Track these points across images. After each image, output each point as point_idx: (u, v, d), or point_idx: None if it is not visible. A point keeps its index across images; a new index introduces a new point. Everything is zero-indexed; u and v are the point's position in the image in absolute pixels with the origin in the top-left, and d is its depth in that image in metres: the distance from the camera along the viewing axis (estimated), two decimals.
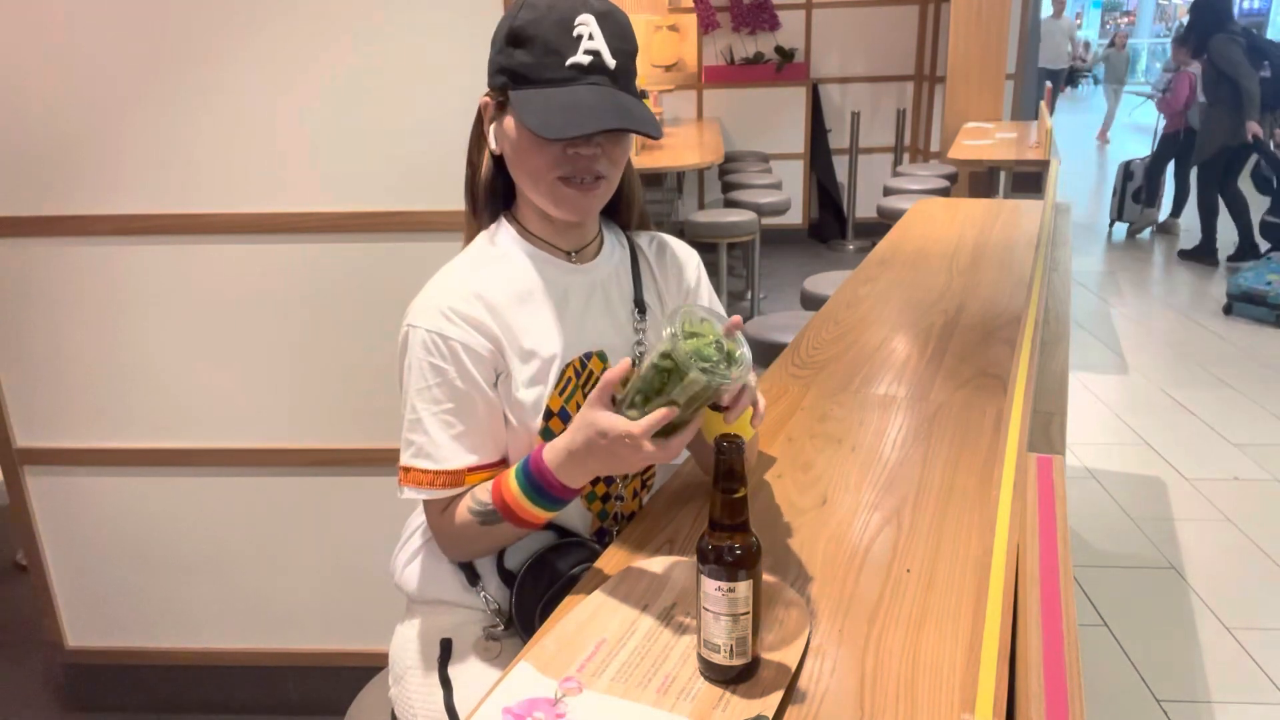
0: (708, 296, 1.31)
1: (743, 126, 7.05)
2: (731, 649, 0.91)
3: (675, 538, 1.21)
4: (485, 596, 1.19)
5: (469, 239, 1.20)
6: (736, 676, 0.92)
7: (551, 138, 1.02)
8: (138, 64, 1.87)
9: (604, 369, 1.17)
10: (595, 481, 1.20)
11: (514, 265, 1.16)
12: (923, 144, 7.11)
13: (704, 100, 7.07)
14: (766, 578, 1.08)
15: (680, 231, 5.36)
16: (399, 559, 1.29)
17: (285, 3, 1.83)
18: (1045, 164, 4.01)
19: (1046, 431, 1.32)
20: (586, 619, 1.03)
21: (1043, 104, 5.59)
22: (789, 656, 0.96)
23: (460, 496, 1.13)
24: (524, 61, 1.05)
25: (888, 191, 5.29)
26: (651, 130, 1.05)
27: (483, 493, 1.10)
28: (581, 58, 1.03)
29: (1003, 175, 5.03)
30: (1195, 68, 6.27)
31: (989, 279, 2.42)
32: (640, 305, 1.22)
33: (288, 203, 1.94)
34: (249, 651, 2.29)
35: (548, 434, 1.13)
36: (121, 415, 2.10)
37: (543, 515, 1.09)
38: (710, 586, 0.90)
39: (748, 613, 0.90)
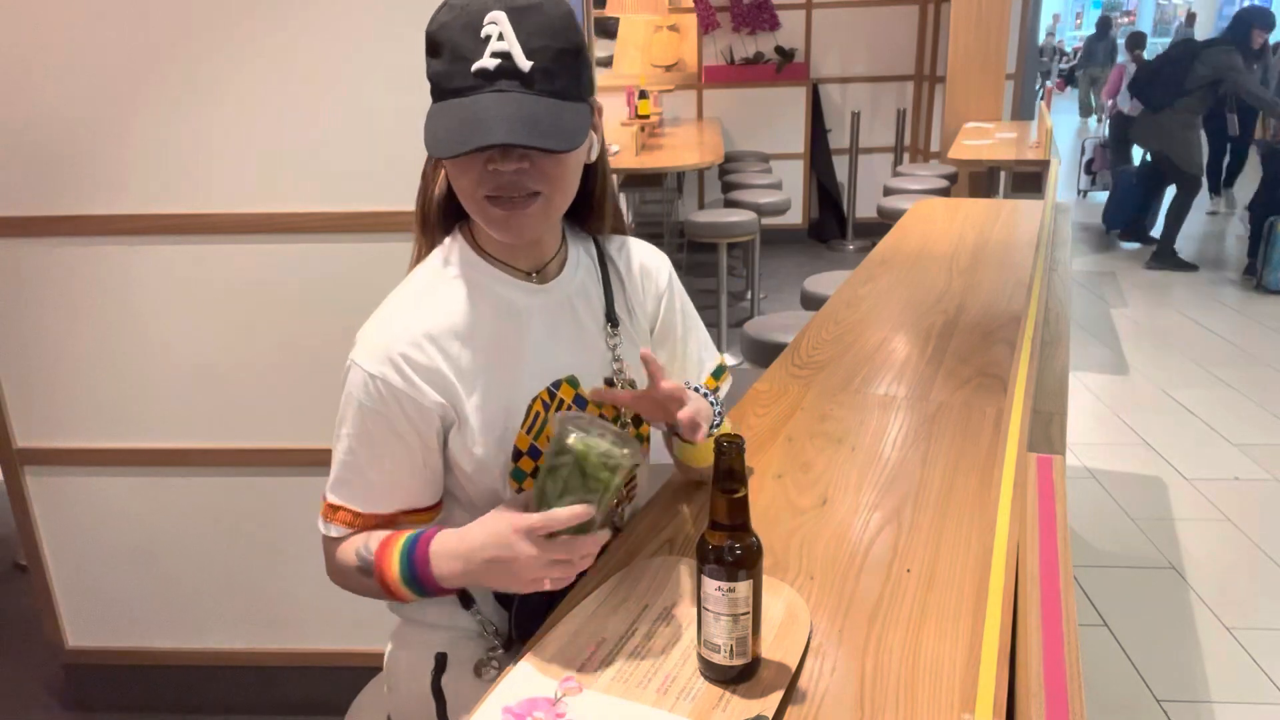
0: (680, 303, 1.24)
1: (743, 126, 7.05)
2: (731, 649, 0.91)
3: (675, 538, 1.21)
4: (481, 619, 1.13)
5: (418, 257, 1.11)
6: (736, 676, 0.92)
7: (437, 156, 0.94)
8: (138, 64, 1.87)
9: (575, 395, 1.10)
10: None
11: (470, 292, 1.05)
12: (923, 144, 7.11)
13: (704, 100, 7.07)
14: (766, 578, 1.08)
15: (680, 232, 5.36)
16: None
17: (286, 3, 1.83)
18: (1045, 164, 4.01)
19: (1046, 431, 1.32)
20: (586, 619, 1.03)
21: (1043, 104, 5.59)
22: (789, 656, 0.96)
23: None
24: (436, 70, 0.95)
25: (888, 191, 5.28)
26: (553, 143, 0.91)
27: (374, 542, 1.03)
28: (487, 61, 0.91)
29: (1003, 175, 5.03)
30: (1130, 62, 8.02)
31: (989, 279, 2.42)
32: (612, 318, 1.14)
33: (288, 203, 1.94)
34: (249, 651, 2.28)
35: (518, 474, 1.07)
36: (121, 415, 2.10)
37: (413, 598, 1.04)
38: (710, 586, 0.90)
39: (748, 613, 0.90)
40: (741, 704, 0.90)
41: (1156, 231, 6.61)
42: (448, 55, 0.93)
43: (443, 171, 1.06)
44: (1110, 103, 8.32)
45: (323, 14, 1.84)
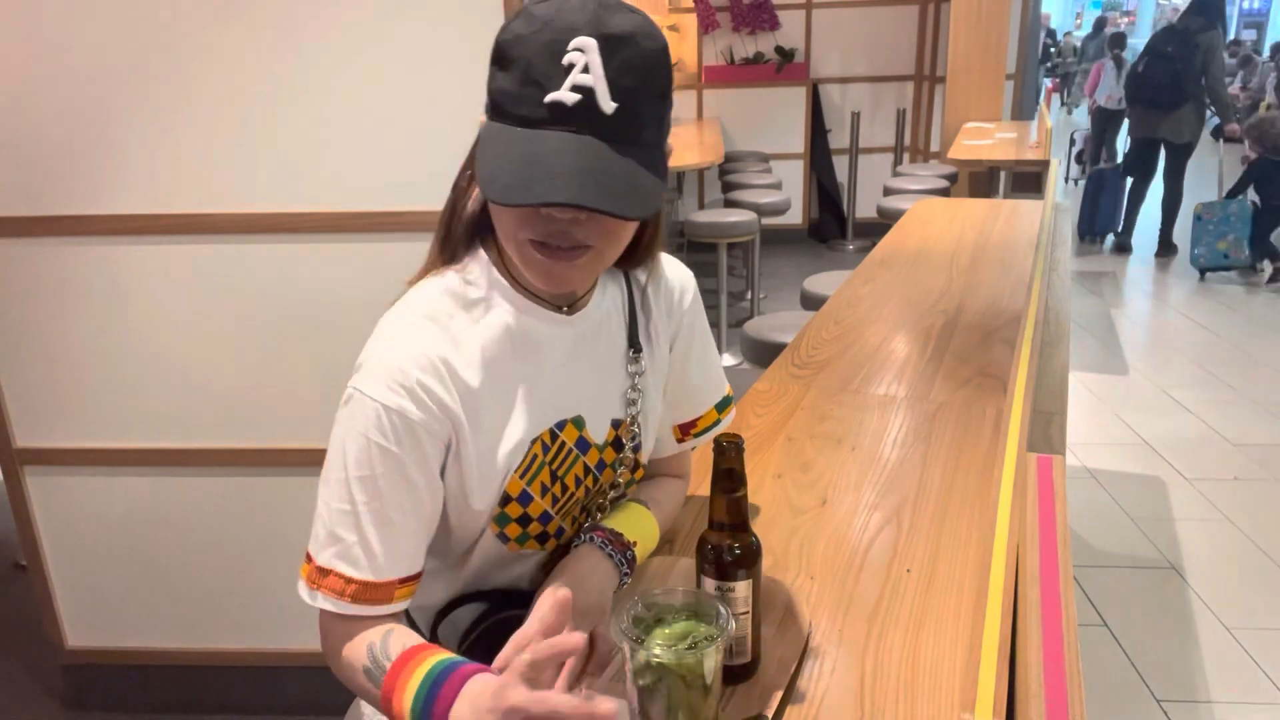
0: (699, 328, 1.13)
1: (743, 126, 7.05)
2: (731, 649, 0.91)
3: (675, 538, 1.21)
4: None
5: (432, 265, 0.98)
6: (736, 676, 0.92)
7: (494, 201, 0.81)
8: (138, 64, 1.87)
9: (578, 438, 1.00)
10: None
11: (493, 319, 0.94)
12: (923, 144, 7.11)
13: (704, 100, 7.07)
14: (766, 578, 1.08)
15: (680, 232, 5.36)
16: None
17: (286, 3, 1.83)
18: (1045, 164, 4.01)
19: (1046, 431, 1.32)
20: None
21: (1043, 104, 5.59)
22: (789, 656, 0.96)
23: (371, 620, 0.90)
24: (501, 88, 0.83)
25: (888, 191, 5.29)
26: (627, 210, 0.80)
27: (393, 647, 0.86)
28: (565, 95, 0.78)
29: (1003, 175, 5.03)
30: (1110, 61, 8.42)
31: (989, 279, 2.42)
32: (635, 345, 1.04)
33: (288, 202, 1.94)
34: (249, 651, 2.28)
35: (502, 519, 0.97)
36: (121, 415, 2.10)
37: None
38: (710, 586, 0.90)
39: (747, 613, 0.90)
40: (741, 704, 0.90)
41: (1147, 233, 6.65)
42: (518, 74, 0.81)
43: (475, 189, 0.94)
44: (1090, 99, 8.83)
45: (324, 13, 1.83)
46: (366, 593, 0.89)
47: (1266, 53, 14.42)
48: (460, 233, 0.96)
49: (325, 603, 0.89)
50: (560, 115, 0.79)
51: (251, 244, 1.97)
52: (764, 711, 0.89)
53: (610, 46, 0.79)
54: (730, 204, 5.21)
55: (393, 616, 0.93)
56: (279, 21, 1.84)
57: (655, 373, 1.09)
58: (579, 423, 1.01)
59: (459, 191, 0.96)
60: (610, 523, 1.06)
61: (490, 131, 0.84)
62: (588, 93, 0.79)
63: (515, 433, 0.95)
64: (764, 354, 2.63)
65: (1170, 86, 6.08)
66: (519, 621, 0.94)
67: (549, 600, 0.80)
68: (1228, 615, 2.63)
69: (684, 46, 6.98)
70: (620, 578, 1.03)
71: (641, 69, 0.81)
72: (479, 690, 0.77)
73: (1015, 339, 1.83)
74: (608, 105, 0.79)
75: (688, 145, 5.70)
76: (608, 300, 1.03)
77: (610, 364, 1.03)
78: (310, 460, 2.08)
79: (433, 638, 1.06)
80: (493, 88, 0.84)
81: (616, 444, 1.05)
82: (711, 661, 0.79)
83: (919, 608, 1.05)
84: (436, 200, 1.67)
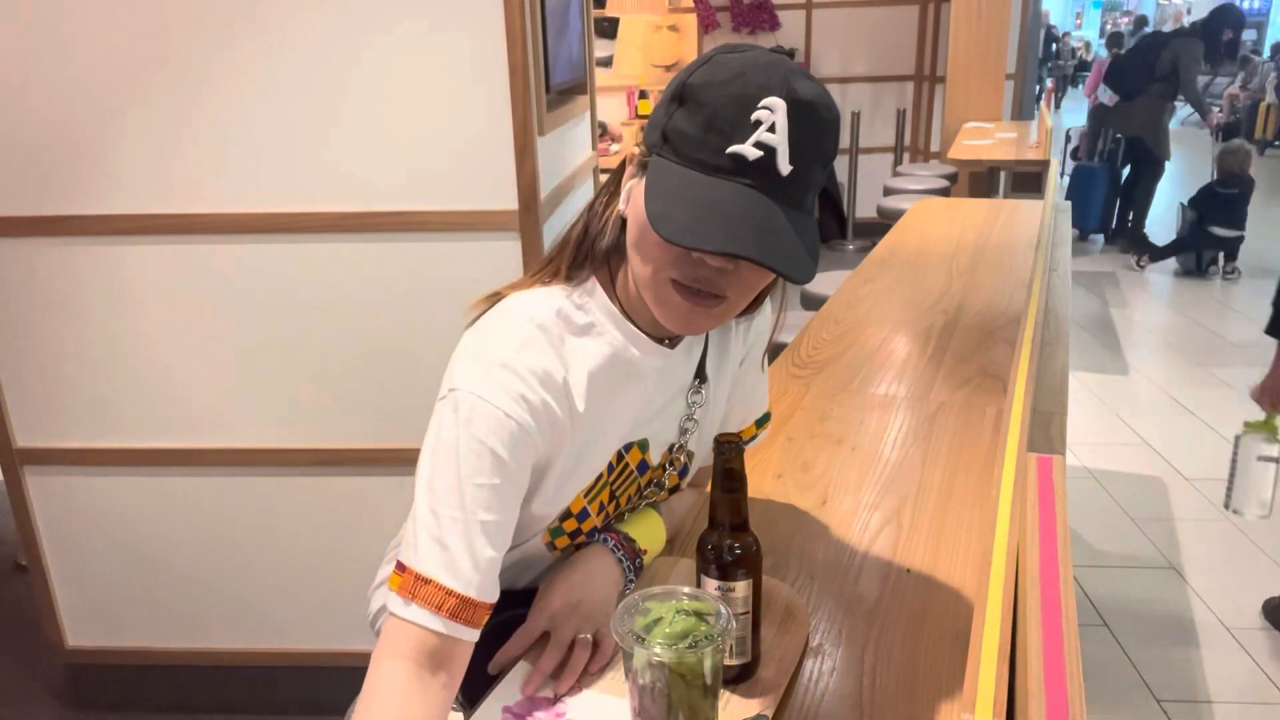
0: (759, 350, 1.14)
1: None
2: (731, 649, 0.91)
3: (675, 538, 1.21)
4: None
5: (544, 280, 0.97)
6: (736, 676, 0.92)
7: (669, 239, 0.80)
8: (138, 64, 1.87)
9: (640, 460, 1.03)
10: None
11: (603, 346, 0.94)
12: (923, 144, 7.11)
13: None
14: (766, 578, 1.08)
15: None
16: (376, 603, 1.17)
17: (287, 3, 1.83)
18: (1045, 164, 4.01)
19: (1046, 431, 1.32)
20: None
21: (1043, 104, 5.59)
22: (789, 656, 0.96)
23: (461, 646, 0.84)
24: (680, 128, 0.83)
25: (888, 191, 5.28)
26: (792, 272, 0.81)
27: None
28: (748, 150, 0.80)
29: (1003, 175, 5.02)
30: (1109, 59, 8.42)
31: (989, 279, 2.42)
32: (702, 375, 1.05)
33: (287, 203, 1.94)
34: (249, 651, 2.28)
35: (557, 531, 1.00)
36: (121, 415, 2.10)
37: None
38: (710, 586, 0.90)
39: (747, 613, 0.90)
40: (741, 704, 0.90)
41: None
42: (704, 121, 0.81)
43: (614, 216, 0.93)
44: (1092, 96, 9.14)
45: (324, 15, 1.83)
46: (464, 611, 0.83)
47: (1267, 53, 14.41)
48: (588, 257, 0.96)
49: (420, 614, 0.82)
50: (738, 168, 0.81)
51: (252, 244, 1.97)
52: (764, 711, 0.89)
53: (798, 111, 0.80)
54: None
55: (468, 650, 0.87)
56: (280, 22, 1.84)
57: (716, 405, 1.10)
58: (643, 446, 1.03)
59: (594, 215, 0.96)
60: (625, 527, 1.08)
61: (662, 167, 0.84)
62: (770, 151, 0.80)
63: (598, 456, 0.98)
64: None
65: (1136, 75, 6.42)
66: (520, 621, 0.95)
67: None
68: (1228, 615, 2.63)
69: (684, 46, 6.98)
70: (625, 584, 1.05)
71: (819, 136, 0.83)
72: None
73: (1015, 339, 1.83)
74: (785, 167, 0.81)
75: None
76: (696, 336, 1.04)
77: (679, 393, 1.05)
78: (310, 460, 2.10)
79: None
80: (670, 126, 0.84)
81: (669, 466, 1.08)
82: (711, 661, 0.80)
83: (919, 608, 1.05)
84: (437, 200, 1.68)
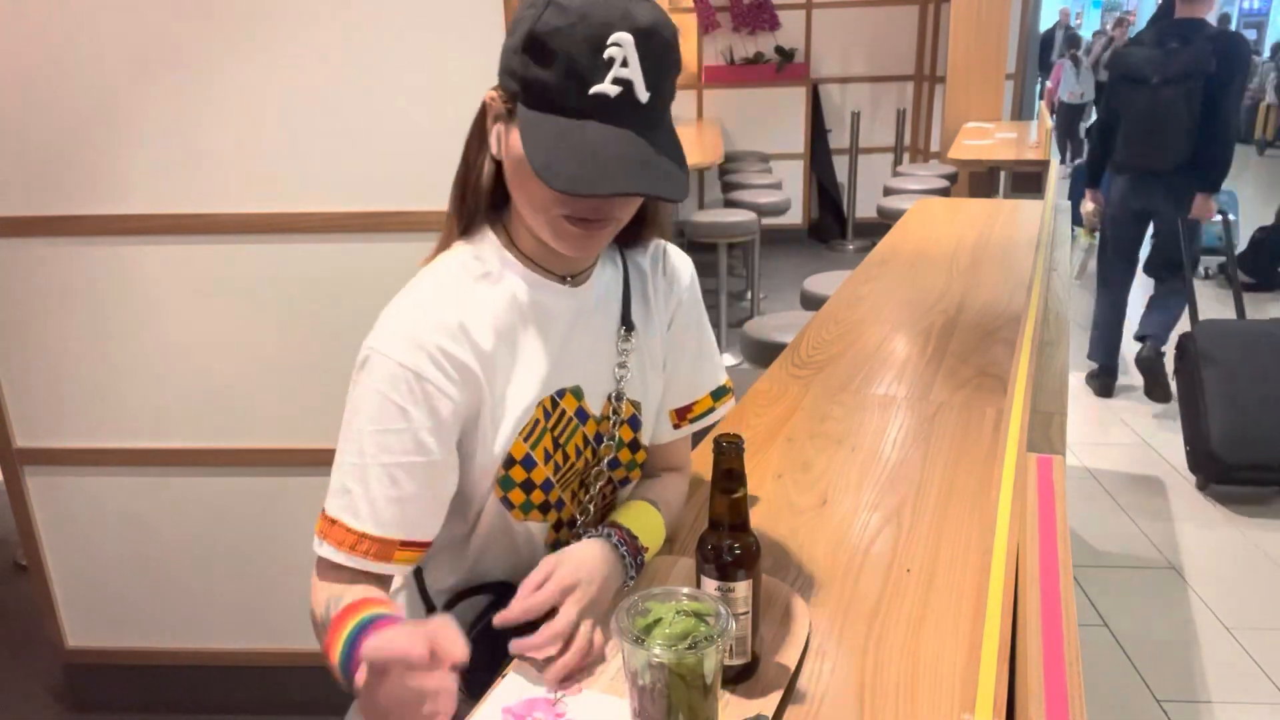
0: (696, 311, 1.18)
1: (743, 126, 7.05)
2: (731, 649, 0.91)
3: (675, 538, 1.21)
4: None
5: (445, 244, 1.04)
6: (736, 676, 0.92)
7: (559, 190, 0.85)
8: (138, 64, 1.87)
9: (577, 408, 1.05)
10: (560, 526, 1.08)
11: (503, 289, 0.99)
12: (923, 144, 7.11)
13: (704, 100, 7.07)
14: (766, 578, 1.08)
15: (680, 232, 5.36)
16: None
17: (287, 3, 1.83)
18: (1045, 164, 4.01)
19: (1046, 431, 1.32)
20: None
21: (1043, 104, 5.59)
22: (789, 656, 0.96)
23: (361, 575, 0.93)
24: (540, 79, 0.87)
25: (888, 191, 5.28)
26: (673, 193, 0.88)
27: (346, 600, 0.90)
28: (608, 87, 0.84)
29: (1003, 175, 5.02)
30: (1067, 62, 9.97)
31: (989, 279, 2.42)
32: (628, 323, 1.09)
33: (288, 203, 1.94)
34: (249, 651, 2.28)
35: (507, 482, 1.02)
36: (121, 415, 2.10)
37: (345, 686, 0.88)
38: (710, 586, 0.90)
39: (747, 613, 0.90)
40: (741, 704, 0.90)
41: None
42: (560, 68, 0.85)
43: (487, 160, 0.98)
44: (1055, 97, 10.00)
45: (325, 16, 1.83)
46: (364, 545, 0.92)
47: (1266, 53, 14.40)
48: (476, 203, 1.01)
49: (328, 551, 0.93)
50: (602, 106, 0.85)
51: (251, 244, 1.97)
52: (764, 712, 0.89)
53: (643, 40, 0.85)
54: (730, 204, 5.21)
55: (383, 579, 0.97)
56: (280, 23, 1.84)
57: (649, 353, 1.12)
58: (578, 393, 1.05)
59: (469, 165, 1.00)
60: (628, 523, 1.08)
61: (533, 120, 0.88)
62: (627, 85, 0.85)
63: (522, 395, 1.00)
64: (764, 354, 2.63)
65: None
66: (500, 606, 0.97)
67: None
68: (1228, 615, 2.63)
69: (684, 47, 6.93)
70: (625, 580, 1.05)
71: (665, 58, 0.87)
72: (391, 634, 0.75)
73: (1015, 339, 1.83)
74: (643, 95, 0.86)
75: (688, 145, 5.65)
76: (606, 277, 1.08)
77: (606, 340, 1.08)
78: (311, 460, 2.10)
79: None
80: (528, 77, 0.88)
81: (614, 418, 1.09)
82: (711, 661, 0.80)
83: (919, 608, 1.05)
84: (437, 201, 1.67)
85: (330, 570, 0.94)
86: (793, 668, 0.94)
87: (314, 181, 1.93)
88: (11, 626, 2.70)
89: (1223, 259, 5.19)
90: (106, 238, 1.97)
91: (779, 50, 6.92)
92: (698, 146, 5.62)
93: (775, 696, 0.90)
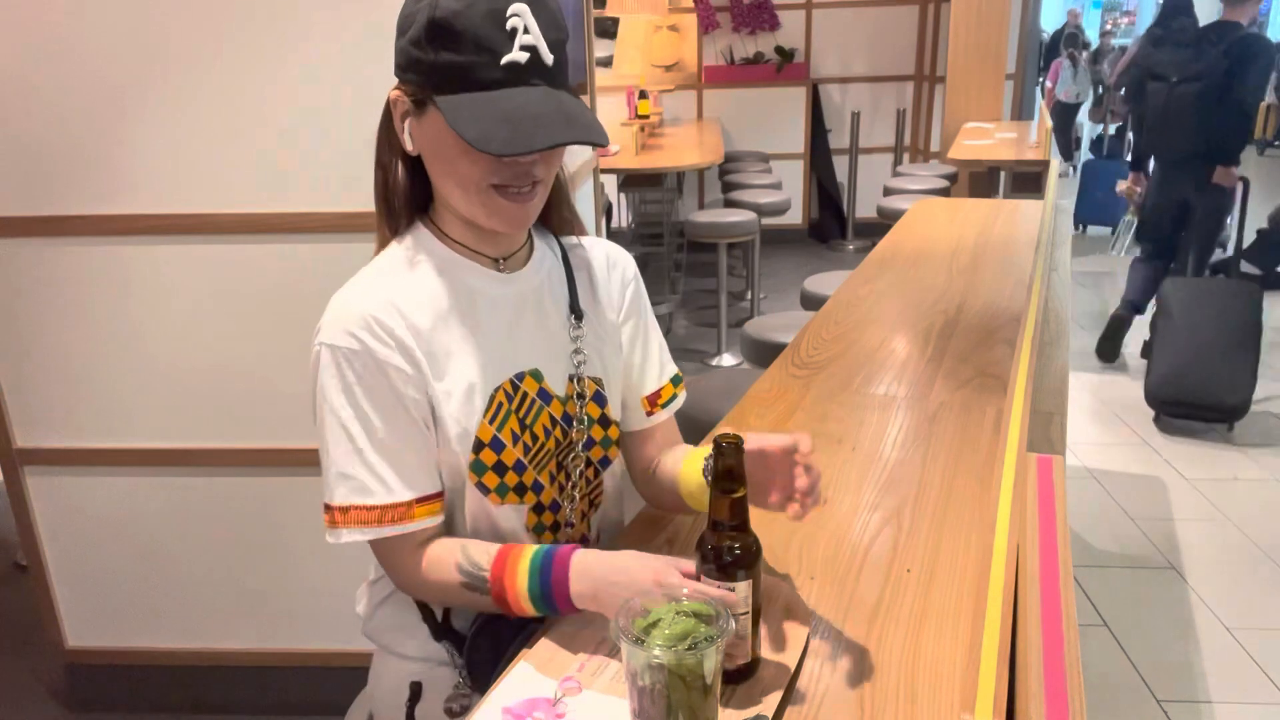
0: (644, 300, 1.21)
1: (743, 126, 7.05)
2: (732, 649, 0.90)
3: (675, 538, 1.21)
4: (450, 649, 1.09)
5: (380, 249, 1.08)
6: (736, 676, 0.92)
7: (493, 153, 0.90)
8: (138, 65, 1.87)
9: (539, 389, 1.07)
10: (541, 510, 1.10)
11: (435, 276, 1.03)
12: (923, 144, 7.11)
13: (704, 100, 7.07)
14: (766, 578, 1.08)
15: (680, 232, 5.36)
16: (366, 603, 1.21)
17: (286, 4, 1.83)
18: (1045, 164, 4.01)
19: (1046, 431, 1.32)
20: (586, 619, 1.03)
21: (1042, 104, 5.59)
22: (789, 656, 0.96)
23: (424, 535, 1.01)
24: (452, 61, 0.91)
25: (888, 191, 5.28)
26: (600, 139, 0.94)
27: (481, 556, 0.99)
28: (518, 55, 0.90)
29: (1003, 175, 5.03)
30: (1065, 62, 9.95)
31: (989, 279, 2.42)
32: (576, 311, 1.12)
33: (288, 203, 1.95)
34: (249, 651, 2.28)
35: (479, 466, 1.03)
36: (121, 415, 2.10)
37: (534, 614, 1.00)
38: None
39: (747, 613, 0.90)
40: (741, 704, 0.90)
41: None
42: (470, 46, 0.90)
43: (399, 160, 1.03)
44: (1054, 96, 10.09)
45: (326, 17, 1.83)
46: (391, 515, 0.98)
47: None
48: (398, 203, 1.05)
49: (354, 535, 0.98)
50: (515, 73, 0.91)
51: (251, 244, 1.97)
52: (764, 712, 0.89)
53: (537, 7, 0.92)
54: (730, 204, 5.21)
55: (427, 532, 1.02)
56: (281, 24, 1.84)
57: (602, 339, 1.14)
58: (537, 375, 1.08)
59: (385, 169, 1.04)
60: None
61: (454, 102, 0.92)
62: (532, 50, 0.91)
63: (474, 378, 1.02)
64: (764, 354, 2.63)
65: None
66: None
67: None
68: (1228, 615, 2.63)
69: (684, 46, 6.99)
70: None
71: (556, 21, 0.94)
72: (587, 564, 0.96)
73: (1015, 339, 1.83)
74: (548, 57, 0.93)
75: (688, 145, 5.70)
76: (547, 267, 1.12)
77: (556, 328, 1.11)
78: (310, 460, 2.09)
79: (445, 620, 1.10)
80: (438, 62, 0.92)
81: (579, 398, 1.11)
82: (711, 661, 0.80)
83: (919, 608, 1.05)
84: None
85: (395, 545, 1.01)
86: (793, 668, 0.94)
87: (314, 181, 1.93)
88: (11, 626, 2.70)
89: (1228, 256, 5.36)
90: (106, 238, 1.97)
91: (779, 50, 6.92)
92: (698, 146, 5.62)
93: (775, 696, 0.90)
